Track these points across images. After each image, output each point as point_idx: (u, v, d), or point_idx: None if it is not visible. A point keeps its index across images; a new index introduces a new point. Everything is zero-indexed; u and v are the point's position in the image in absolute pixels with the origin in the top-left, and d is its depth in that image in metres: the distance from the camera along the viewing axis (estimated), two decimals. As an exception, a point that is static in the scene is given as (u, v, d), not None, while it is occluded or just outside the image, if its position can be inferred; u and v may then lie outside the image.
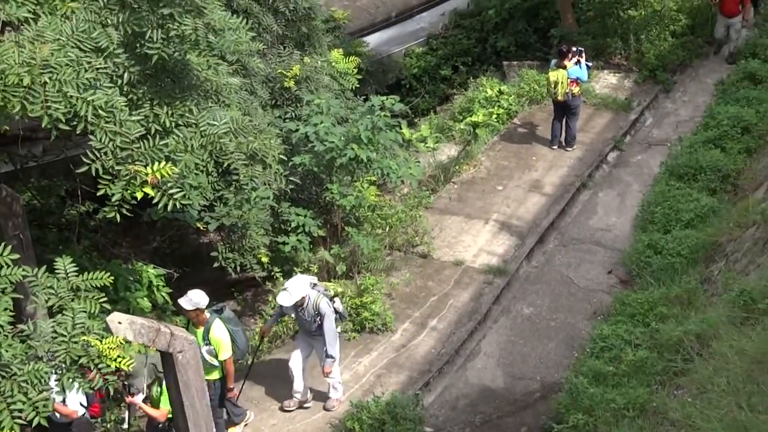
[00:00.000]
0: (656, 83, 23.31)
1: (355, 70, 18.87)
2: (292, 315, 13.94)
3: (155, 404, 12.30)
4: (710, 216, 16.74)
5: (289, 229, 16.17)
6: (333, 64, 18.50)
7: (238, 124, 10.53)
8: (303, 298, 13.22)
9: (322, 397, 14.23)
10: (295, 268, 16.21)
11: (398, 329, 15.69)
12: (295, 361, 13.83)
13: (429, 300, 16.37)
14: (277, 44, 17.51)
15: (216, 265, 15.84)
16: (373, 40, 28.75)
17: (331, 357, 13.50)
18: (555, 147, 20.73)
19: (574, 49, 20.04)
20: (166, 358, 10.12)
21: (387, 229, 17.37)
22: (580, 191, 19.36)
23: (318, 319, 13.32)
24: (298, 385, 13.94)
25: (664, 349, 12.34)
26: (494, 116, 21.69)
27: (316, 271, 16.19)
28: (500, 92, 22.51)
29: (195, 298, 12.38)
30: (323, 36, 18.90)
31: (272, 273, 16.01)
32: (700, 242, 15.84)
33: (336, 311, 13.51)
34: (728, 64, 23.11)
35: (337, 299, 13.75)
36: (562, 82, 19.63)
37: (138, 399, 12.28)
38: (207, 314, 12.57)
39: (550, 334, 15.46)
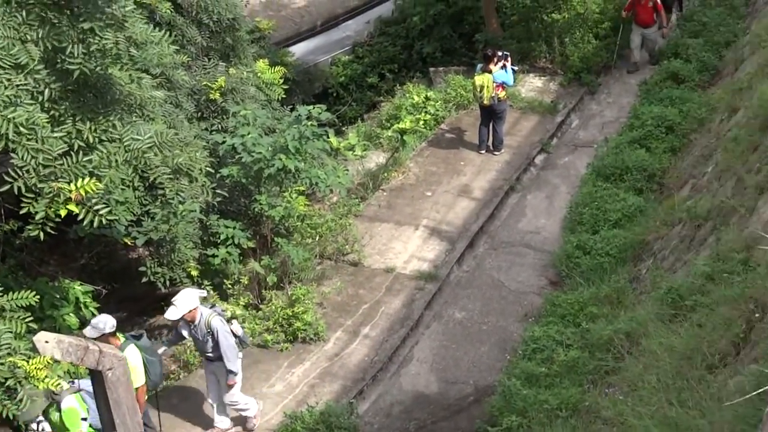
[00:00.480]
0: (581, 85, 23.58)
1: (281, 80, 18.83)
2: (187, 335, 13.27)
3: (58, 428, 11.63)
4: (637, 215, 16.94)
5: (219, 241, 16.07)
6: (259, 74, 18.43)
7: (163, 138, 10.44)
8: (193, 312, 12.69)
9: (241, 420, 13.99)
10: (225, 281, 16.13)
11: (331, 338, 15.67)
12: (212, 393, 13.51)
13: (361, 308, 16.37)
14: (202, 56, 17.41)
15: (145, 280, 15.68)
16: (298, 49, 28.80)
17: (233, 372, 12.94)
18: (483, 151, 20.85)
19: (499, 53, 20.19)
20: (96, 376, 10.00)
21: (317, 238, 17.35)
22: (508, 194, 19.49)
23: (211, 338, 12.79)
24: (218, 421, 13.66)
25: (595, 349, 12.46)
26: (421, 122, 21.78)
27: (246, 282, 16.12)
28: (427, 98, 22.61)
29: (99, 324, 11.75)
30: (248, 47, 18.84)
31: (202, 286, 15.91)
32: (628, 241, 16.03)
33: (234, 334, 12.94)
34: (651, 65, 23.42)
35: (235, 321, 13.20)
36: (487, 87, 19.75)
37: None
38: (120, 339, 12.08)
39: (482, 338, 15.53)
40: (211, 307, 13.05)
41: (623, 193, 17.79)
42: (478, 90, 19.90)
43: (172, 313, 12.59)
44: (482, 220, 18.52)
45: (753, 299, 9.00)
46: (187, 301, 12.66)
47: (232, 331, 12.92)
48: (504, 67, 19.94)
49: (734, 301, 9.30)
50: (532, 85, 23.77)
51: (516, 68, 21.10)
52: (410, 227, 18.50)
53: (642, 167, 18.24)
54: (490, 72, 19.78)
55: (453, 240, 18.02)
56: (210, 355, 13.08)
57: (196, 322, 12.81)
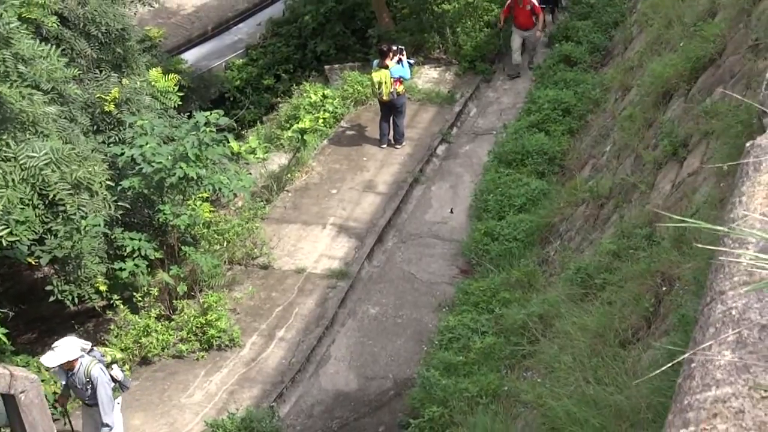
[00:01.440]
0: (476, 74, 23.78)
1: (176, 88, 18.62)
2: (63, 381, 12.64)
3: None
4: (541, 198, 17.13)
5: (125, 254, 15.85)
6: (153, 83, 18.20)
7: (60, 154, 10.28)
8: (72, 363, 12.10)
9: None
10: (134, 293, 15.92)
11: (246, 343, 15.58)
12: None
13: (274, 311, 16.31)
14: (93, 68, 17.12)
15: (53, 299, 15.38)
16: (191, 55, 28.59)
17: (107, 426, 12.30)
18: (384, 146, 20.89)
19: (394, 47, 20.23)
20: (9, 400, 9.80)
21: (225, 244, 17.24)
22: (413, 187, 19.57)
23: (90, 387, 12.23)
24: None
25: (510, 334, 12.57)
26: (321, 121, 21.76)
27: (156, 294, 15.94)
28: (324, 96, 22.58)
29: (64, 353, 11.59)
30: (140, 56, 18.58)
31: (112, 301, 15.67)
32: (534, 225, 16.19)
33: (114, 379, 12.43)
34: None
35: (115, 366, 12.64)
36: (385, 82, 19.79)
37: None
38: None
39: (398, 331, 15.58)
40: (89, 352, 12.36)
41: (526, 177, 17.97)
42: (377, 86, 19.93)
43: (49, 360, 11.94)
44: (389, 214, 18.57)
45: (659, 273, 9.16)
46: (66, 352, 11.98)
47: (112, 377, 12.41)
48: (400, 61, 19.99)
49: (641, 277, 9.45)
50: (428, 76, 23.90)
51: (412, 61, 21.18)
52: (318, 226, 18.46)
53: (542, 151, 18.44)
54: (386, 67, 19.82)
55: (361, 236, 18.04)
56: (88, 402, 12.52)
57: (75, 371, 12.23)
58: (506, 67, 23.91)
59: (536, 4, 22.63)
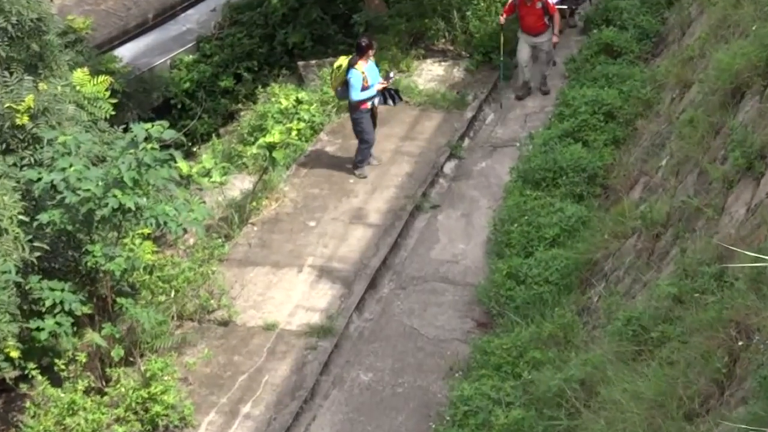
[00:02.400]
0: (493, 69, 23.83)
1: (108, 93, 18.63)
2: None
3: None
4: (580, 229, 17.11)
5: (44, 309, 15.79)
6: (78, 88, 18.21)
7: (-45, 182, 10.25)
8: None
9: None
10: (56, 360, 15.84)
11: (202, 423, 15.53)
12: None
13: (237, 380, 16.27)
14: (2, 70, 17.16)
15: (-49, 371, 15.37)
16: (127, 51, 28.67)
17: None
18: (376, 162, 20.87)
19: (392, 75, 20.45)
20: None
21: (172, 294, 17.19)
22: (414, 216, 19.59)
23: None
24: None
25: (543, 405, 12.52)
26: (294, 133, 21.72)
27: (84, 360, 15.87)
28: (298, 101, 22.58)
29: None
30: (61, 54, 18.61)
31: (27, 371, 15.60)
32: (572, 263, 16.17)
33: None
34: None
35: None
36: (336, 75, 20.11)
37: None
38: None
39: (397, 405, 15.54)
40: None
41: (559, 201, 17.97)
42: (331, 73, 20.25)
43: None
44: (384, 252, 18.56)
45: (734, 323, 9.13)
46: None
47: None
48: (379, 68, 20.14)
49: (711, 328, 9.42)
50: (431, 73, 23.97)
51: (392, 75, 21.12)
52: (292, 269, 18.45)
53: (579, 167, 18.44)
54: (354, 66, 19.82)
55: (349, 281, 18.02)
56: None
57: None
58: (510, 89, 23.62)
59: (550, 1, 22.30)
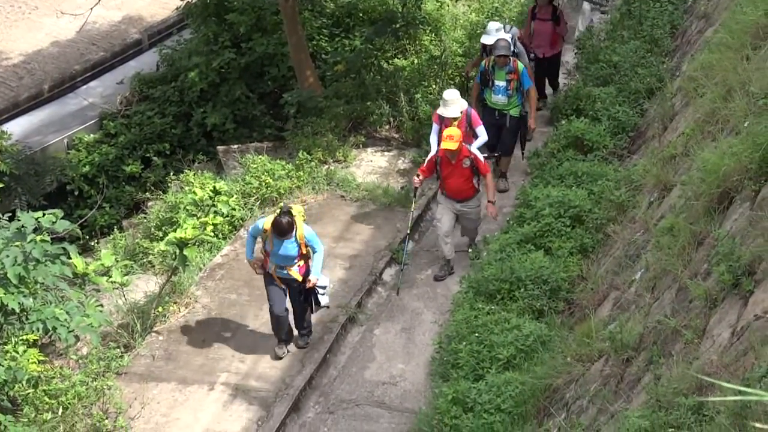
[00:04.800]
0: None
1: (-7, 176, 18.68)
2: None
3: None
4: (538, 349, 17.13)
5: None
6: (-45, 170, 18.25)
7: None
8: None
9: None
10: None
11: None
12: None
13: None
14: None
15: None
16: (18, 127, 28.64)
17: None
18: (283, 354, 20.57)
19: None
20: None
21: (60, 411, 17.06)
22: (346, 329, 19.61)
23: None
24: None
25: None
26: (210, 228, 21.72)
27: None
28: (216, 192, 22.57)
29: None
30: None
31: None
32: (528, 389, 16.17)
33: None
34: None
35: None
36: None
37: None
38: None
39: None
40: None
41: (516, 317, 17.98)
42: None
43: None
44: (310, 370, 18.52)
45: (714, 465, 9.19)
46: None
47: None
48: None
49: (688, 470, 9.47)
50: (372, 164, 24.09)
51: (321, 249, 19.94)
52: (202, 386, 18.39)
53: (540, 278, 18.46)
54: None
55: (268, 402, 17.96)
56: None
57: None
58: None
59: (480, 157, 20.38)
